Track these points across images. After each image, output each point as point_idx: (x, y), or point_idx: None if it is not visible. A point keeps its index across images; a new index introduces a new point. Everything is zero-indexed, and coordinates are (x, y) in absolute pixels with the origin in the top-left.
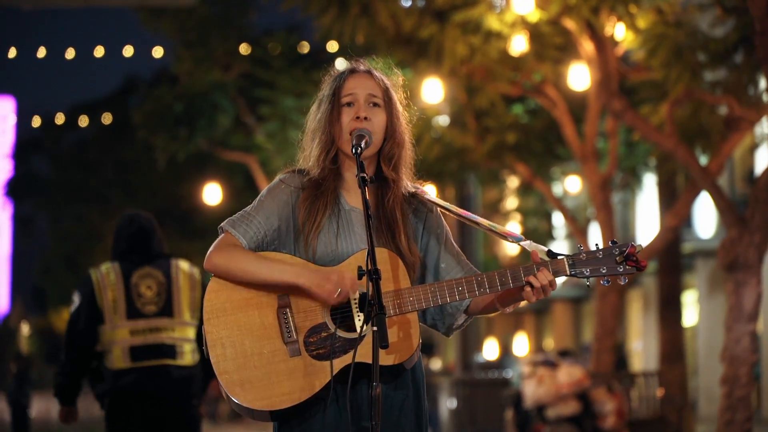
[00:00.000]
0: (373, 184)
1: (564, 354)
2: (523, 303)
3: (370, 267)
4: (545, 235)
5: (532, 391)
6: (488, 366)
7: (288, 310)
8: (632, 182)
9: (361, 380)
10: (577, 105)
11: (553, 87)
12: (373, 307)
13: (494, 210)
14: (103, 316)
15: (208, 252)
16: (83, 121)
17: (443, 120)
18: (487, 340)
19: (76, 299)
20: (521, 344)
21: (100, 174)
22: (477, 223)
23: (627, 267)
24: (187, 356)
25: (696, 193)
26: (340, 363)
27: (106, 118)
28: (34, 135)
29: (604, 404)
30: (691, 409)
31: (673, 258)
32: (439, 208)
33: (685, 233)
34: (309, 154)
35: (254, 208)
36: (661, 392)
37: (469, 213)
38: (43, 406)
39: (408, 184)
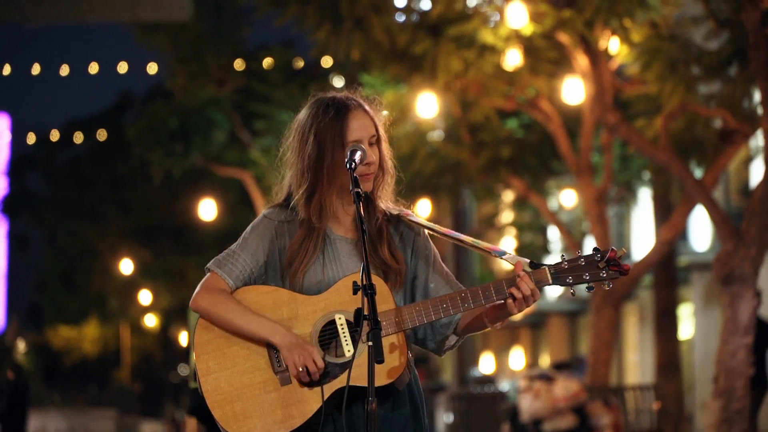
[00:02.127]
0: (351, 215)
1: (560, 367)
2: (519, 316)
3: (364, 282)
4: (540, 250)
5: (528, 405)
6: (484, 380)
7: None
8: (627, 196)
9: (355, 402)
10: (571, 119)
11: (548, 101)
12: (368, 322)
13: (489, 224)
14: None
15: (195, 293)
16: (78, 137)
17: (438, 134)
18: (483, 355)
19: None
20: (517, 358)
21: (96, 190)
22: (461, 241)
23: (611, 272)
24: None
25: (691, 207)
26: (330, 388)
27: (101, 135)
28: (29, 152)
29: (600, 418)
30: (688, 422)
31: (668, 271)
32: (424, 229)
33: (681, 246)
34: (296, 193)
35: (239, 246)
36: (657, 405)
37: (452, 231)
38: (40, 423)
39: (390, 205)
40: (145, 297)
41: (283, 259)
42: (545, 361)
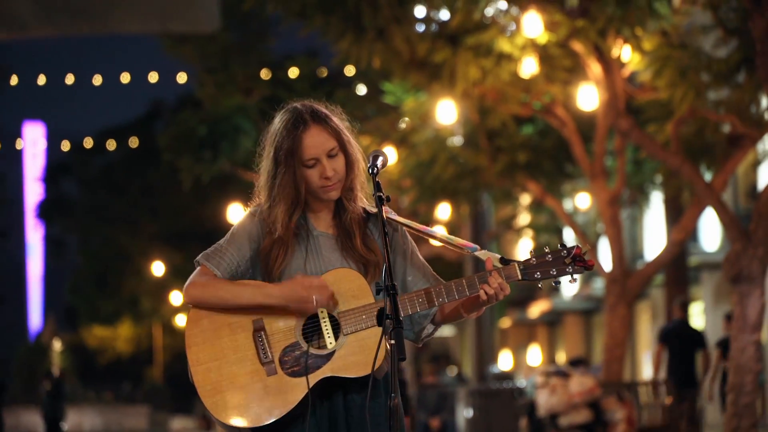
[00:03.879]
0: (332, 212)
1: (576, 363)
2: (536, 315)
3: (387, 283)
4: None
5: (545, 401)
6: (503, 377)
7: (263, 333)
8: (640, 198)
9: (336, 393)
10: (585, 125)
11: (563, 107)
12: (390, 321)
13: (507, 227)
14: None
15: (185, 285)
16: (111, 145)
17: (457, 140)
18: (501, 352)
19: None
20: (534, 355)
21: (128, 196)
22: (435, 237)
23: (576, 267)
24: None
25: (701, 209)
26: (314, 378)
27: (133, 142)
28: (64, 159)
29: (614, 412)
30: (699, 415)
31: (679, 271)
32: (401, 226)
33: (691, 247)
34: (270, 211)
35: (227, 241)
36: (669, 400)
37: (427, 228)
38: (75, 419)
39: (366, 203)
40: (176, 298)
41: (268, 254)
42: (561, 358)
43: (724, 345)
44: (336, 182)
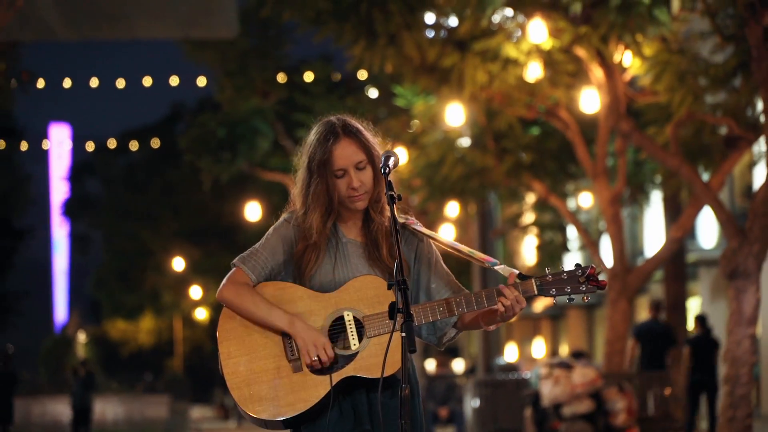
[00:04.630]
0: (361, 221)
1: (578, 355)
2: (540, 309)
3: (399, 278)
4: (560, 247)
5: (549, 391)
6: (508, 368)
7: None
8: (640, 198)
9: (359, 391)
10: (588, 127)
11: (566, 110)
12: (402, 314)
13: (513, 224)
14: None
15: (221, 285)
16: (133, 145)
17: (465, 142)
18: (507, 345)
19: None
20: (539, 348)
21: (149, 194)
22: (458, 250)
23: (589, 286)
24: None
25: (699, 207)
26: (337, 377)
27: (155, 143)
28: (88, 159)
29: (615, 402)
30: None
31: (678, 267)
32: (427, 236)
33: (689, 244)
34: (306, 218)
35: (262, 245)
36: (668, 391)
37: (452, 242)
38: (99, 408)
39: (396, 215)
40: (195, 292)
41: (300, 259)
42: (564, 350)
43: (694, 344)
44: (362, 193)
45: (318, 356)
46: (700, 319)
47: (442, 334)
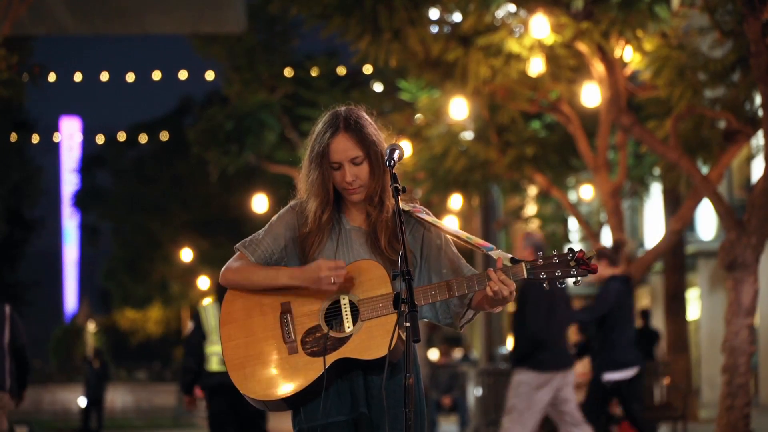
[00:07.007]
0: (364, 211)
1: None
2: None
3: (403, 268)
4: (562, 239)
5: None
6: None
7: (289, 315)
8: (640, 190)
9: (356, 374)
10: (589, 121)
11: (568, 104)
12: (405, 304)
13: (516, 216)
14: (205, 336)
15: (222, 269)
16: (142, 138)
17: (468, 135)
18: (509, 334)
19: (191, 325)
20: None
21: (158, 186)
22: (458, 237)
23: (580, 270)
24: None
25: (698, 200)
26: (330, 358)
27: (164, 136)
28: (98, 151)
29: None
30: (695, 395)
31: (677, 258)
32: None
33: (689, 236)
34: (307, 206)
35: (265, 231)
36: (667, 380)
37: (451, 228)
38: (108, 397)
39: (401, 204)
40: (203, 282)
41: (303, 244)
42: None
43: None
44: (357, 187)
45: (333, 278)
46: (643, 313)
47: (457, 315)
